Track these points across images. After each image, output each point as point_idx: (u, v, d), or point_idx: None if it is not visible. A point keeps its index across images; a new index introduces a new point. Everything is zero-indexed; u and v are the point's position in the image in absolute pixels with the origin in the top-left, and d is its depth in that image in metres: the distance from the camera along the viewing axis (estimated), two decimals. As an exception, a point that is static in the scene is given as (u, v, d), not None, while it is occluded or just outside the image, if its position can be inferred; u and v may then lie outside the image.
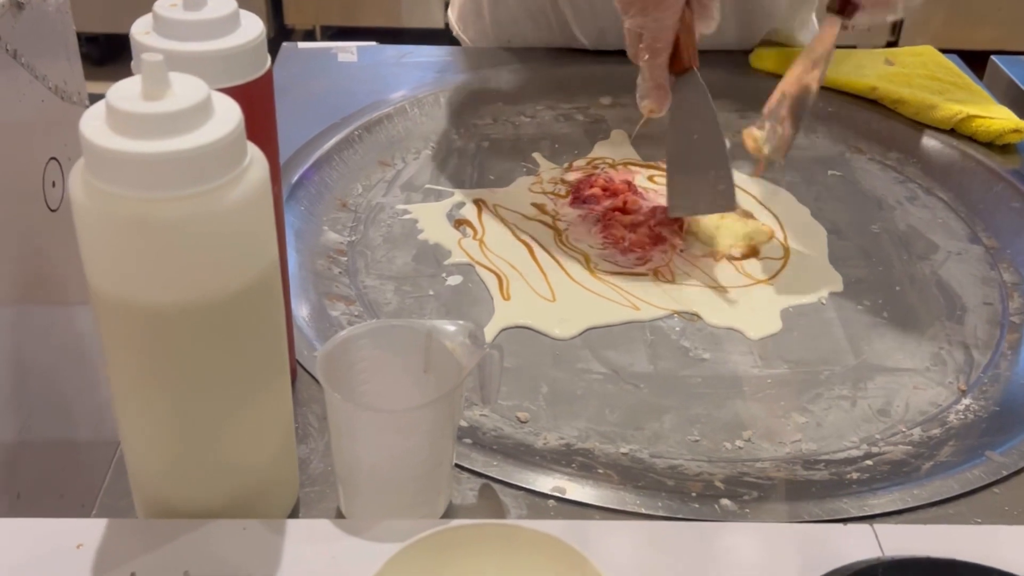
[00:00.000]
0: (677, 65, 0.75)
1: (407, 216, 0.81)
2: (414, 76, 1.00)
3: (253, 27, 0.49)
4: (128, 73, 0.43)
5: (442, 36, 1.15)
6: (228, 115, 0.42)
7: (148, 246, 0.41)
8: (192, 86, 0.41)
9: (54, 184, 0.83)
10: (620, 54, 0.99)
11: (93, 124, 0.40)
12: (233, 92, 0.44)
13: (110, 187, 0.40)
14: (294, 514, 0.52)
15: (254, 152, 0.43)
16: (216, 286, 0.42)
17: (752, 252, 0.77)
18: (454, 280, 0.74)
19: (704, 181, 0.76)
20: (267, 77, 0.51)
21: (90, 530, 0.47)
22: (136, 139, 0.39)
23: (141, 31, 0.48)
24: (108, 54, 2.78)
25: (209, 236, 0.41)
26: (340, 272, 0.74)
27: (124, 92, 0.41)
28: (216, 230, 0.41)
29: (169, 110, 0.40)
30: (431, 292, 0.73)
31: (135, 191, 0.40)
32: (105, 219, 0.41)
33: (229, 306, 0.43)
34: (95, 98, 0.82)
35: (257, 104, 0.49)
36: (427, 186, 0.85)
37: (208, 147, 0.40)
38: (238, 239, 0.42)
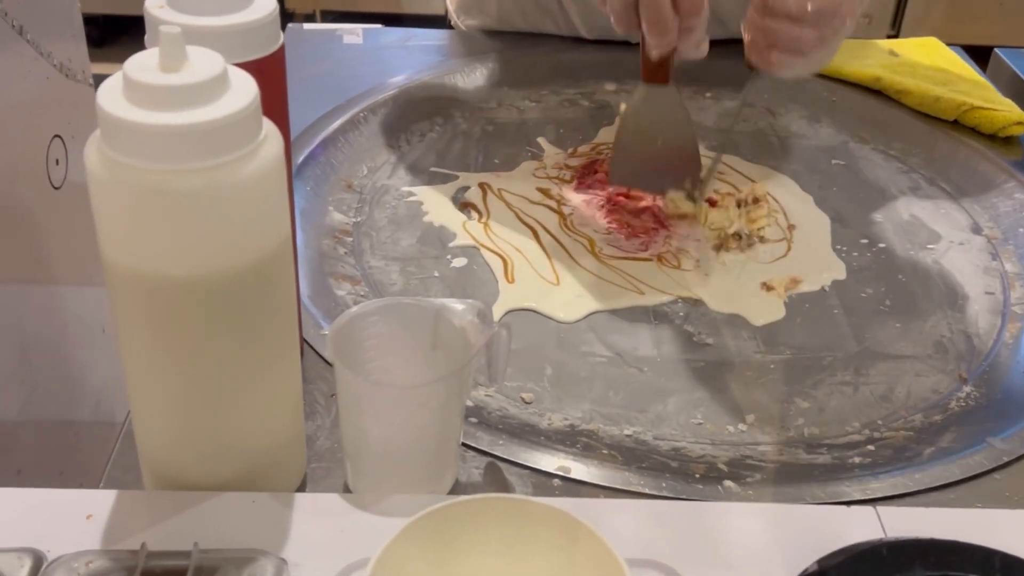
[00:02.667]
0: (652, 75, 0.74)
1: (412, 198, 0.81)
2: (419, 59, 1.00)
3: (266, 3, 0.49)
4: (126, 54, 0.43)
5: (442, 23, 1.15)
6: (244, 89, 0.42)
7: (163, 218, 0.41)
8: (209, 59, 0.41)
9: (57, 162, 0.83)
10: (624, 43, 1.00)
11: (110, 95, 0.41)
12: (246, 68, 0.44)
13: (126, 158, 0.40)
14: (301, 490, 0.53)
15: (269, 127, 0.44)
16: (230, 259, 0.43)
17: (751, 238, 0.77)
18: (459, 262, 0.74)
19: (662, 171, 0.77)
20: (279, 53, 0.51)
21: (100, 501, 0.48)
22: (153, 111, 0.40)
23: (155, 5, 0.48)
24: (107, 35, 2.76)
25: (224, 209, 0.41)
26: (345, 252, 0.74)
27: (141, 64, 0.41)
28: (231, 203, 0.41)
29: (186, 82, 0.40)
30: (436, 273, 0.73)
31: (151, 163, 0.40)
32: (120, 190, 0.41)
33: (242, 279, 0.43)
34: (97, 78, 0.83)
35: (270, 80, 0.49)
36: (432, 169, 0.85)
37: (225, 120, 0.40)
38: (252, 213, 0.43)
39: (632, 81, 0.86)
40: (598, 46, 1.03)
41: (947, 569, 0.44)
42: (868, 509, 0.50)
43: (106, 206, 0.42)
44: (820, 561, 0.45)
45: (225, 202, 0.41)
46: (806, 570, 0.45)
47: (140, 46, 0.44)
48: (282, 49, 0.51)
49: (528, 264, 0.74)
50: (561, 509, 0.42)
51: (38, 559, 0.44)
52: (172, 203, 0.40)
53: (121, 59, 0.42)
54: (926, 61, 0.99)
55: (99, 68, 0.83)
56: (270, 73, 0.50)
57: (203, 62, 0.41)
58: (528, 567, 0.43)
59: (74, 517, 0.47)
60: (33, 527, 0.46)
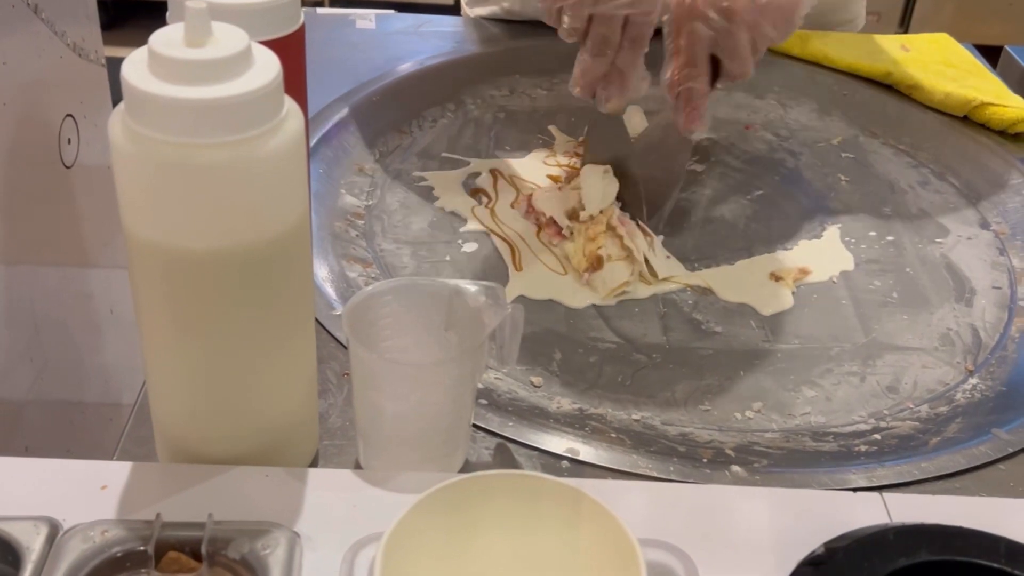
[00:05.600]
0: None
1: (423, 183, 0.82)
2: (431, 45, 1.00)
3: (288, -18, 0.50)
4: (134, 37, 0.43)
5: (451, 12, 1.15)
6: (268, 65, 0.42)
7: (185, 191, 0.41)
8: (233, 35, 0.42)
9: (69, 141, 0.83)
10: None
11: (135, 68, 0.41)
12: (267, 46, 0.45)
13: (150, 131, 0.40)
14: (313, 467, 0.53)
15: (291, 104, 0.44)
16: (250, 234, 0.43)
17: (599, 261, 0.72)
18: (470, 247, 0.75)
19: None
20: (300, 33, 0.51)
21: (115, 472, 0.48)
22: (178, 84, 0.40)
23: (178, -18, 0.49)
24: (116, 18, 2.77)
25: (246, 184, 0.42)
26: (357, 235, 0.75)
27: (166, 38, 0.41)
28: (253, 178, 0.42)
29: (212, 57, 0.40)
30: (447, 258, 0.73)
31: (175, 136, 0.40)
32: (143, 163, 0.41)
33: (261, 254, 0.44)
34: (107, 61, 0.83)
35: (289, 59, 0.50)
36: (443, 154, 0.86)
37: (249, 95, 0.40)
38: (274, 188, 0.43)
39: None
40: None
41: (952, 554, 0.45)
42: (874, 496, 0.50)
43: (129, 179, 0.42)
44: (827, 544, 0.46)
45: (247, 177, 0.42)
46: (813, 553, 0.45)
47: (148, 30, 0.44)
48: (302, 28, 0.51)
49: (531, 252, 0.74)
50: (574, 486, 0.43)
51: (54, 527, 0.45)
52: (195, 176, 0.41)
53: (129, 42, 0.42)
54: (937, 57, 0.99)
55: (108, 52, 0.84)
56: (290, 52, 0.50)
57: (228, 38, 0.42)
58: (540, 543, 0.44)
59: (89, 487, 0.48)
60: (49, 496, 0.47)
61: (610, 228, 0.72)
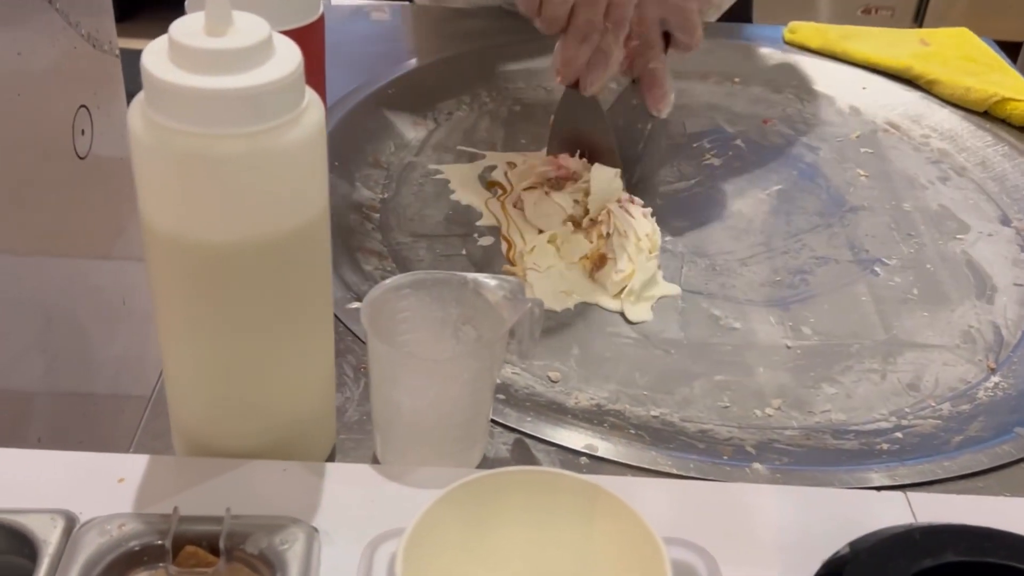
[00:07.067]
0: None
1: (439, 176, 0.81)
2: (445, 37, 0.99)
3: (308, -29, 0.49)
4: (145, 30, 0.43)
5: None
6: (289, 55, 0.42)
7: (205, 182, 0.41)
8: (254, 24, 0.41)
9: (83, 132, 0.83)
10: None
11: (155, 58, 0.40)
12: (288, 35, 0.44)
13: (170, 122, 0.40)
14: (330, 461, 0.53)
15: (311, 95, 0.43)
16: (270, 226, 0.43)
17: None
18: (485, 241, 0.74)
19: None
20: (320, 22, 0.51)
21: (132, 465, 0.48)
22: (199, 74, 0.39)
23: (198, -29, 0.48)
24: (129, 10, 2.76)
25: (266, 175, 0.41)
26: (372, 228, 0.74)
27: (187, 27, 0.41)
28: (273, 169, 0.41)
29: (232, 46, 0.40)
30: (463, 251, 0.73)
31: (195, 126, 0.40)
32: (163, 154, 0.41)
33: (281, 247, 0.43)
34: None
35: (310, 48, 0.49)
36: (459, 147, 0.85)
37: (270, 85, 0.40)
38: (294, 180, 0.43)
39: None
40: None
41: (980, 556, 0.44)
42: (898, 495, 0.50)
43: (148, 170, 0.42)
44: (852, 544, 0.45)
45: (268, 168, 0.41)
46: (837, 552, 0.45)
47: (161, 22, 0.43)
48: (322, 18, 0.51)
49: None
50: (597, 483, 0.42)
51: (70, 520, 0.45)
52: (215, 168, 0.40)
53: (142, 34, 0.42)
54: (957, 52, 0.98)
55: (120, 43, 0.83)
56: (310, 42, 0.50)
57: (249, 27, 0.41)
58: (559, 539, 0.43)
59: (106, 481, 0.47)
60: (65, 489, 0.47)
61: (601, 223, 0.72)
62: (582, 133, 0.77)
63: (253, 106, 0.40)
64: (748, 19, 1.13)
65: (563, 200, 0.74)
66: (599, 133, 0.77)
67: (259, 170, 0.41)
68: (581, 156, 0.78)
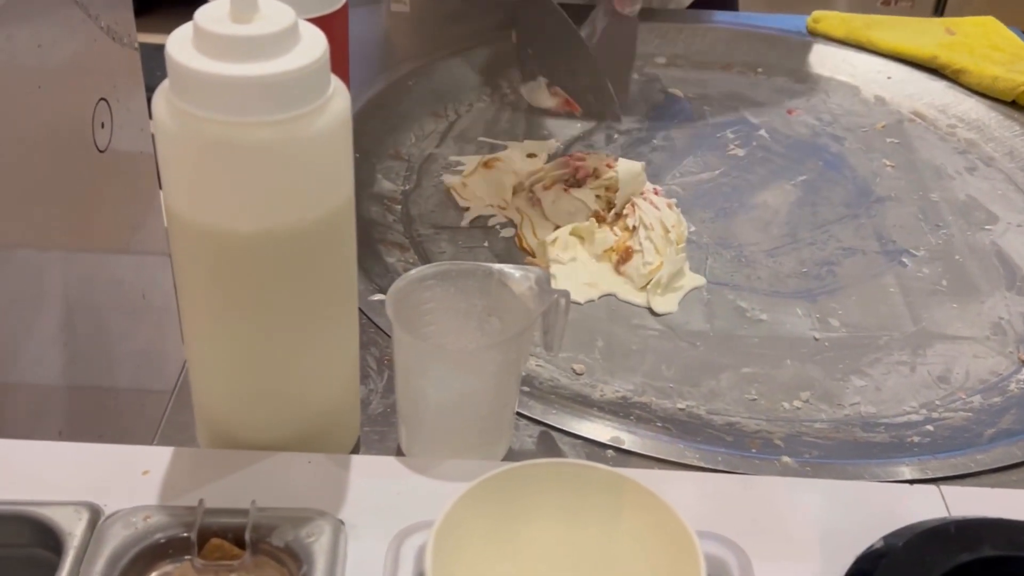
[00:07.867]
0: None
1: (460, 168, 0.80)
2: (464, 29, 0.98)
3: (332, -41, 0.49)
4: (161, 24, 0.42)
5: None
6: (314, 42, 0.41)
7: (231, 171, 0.40)
8: (280, 11, 0.41)
9: (103, 125, 0.82)
10: (673, 18, 0.98)
11: (180, 45, 0.40)
12: (312, 23, 0.44)
13: (195, 109, 0.39)
14: (354, 453, 0.52)
15: (337, 83, 0.43)
16: (295, 215, 0.42)
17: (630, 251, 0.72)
18: (507, 232, 0.74)
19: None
20: (344, 11, 0.50)
21: (157, 457, 0.47)
22: (224, 61, 0.39)
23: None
24: (145, 5, 2.77)
25: (292, 163, 0.41)
26: (394, 220, 0.74)
27: (212, 14, 0.40)
28: (299, 158, 0.41)
29: (258, 33, 0.39)
30: (485, 243, 0.72)
31: (221, 114, 0.39)
32: (189, 142, 0.40)
33: (306, 236, 0.43)
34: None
35: (334, 37, 0.49)
36: (480, 138, 0.84)
37: (296, 72, 0.39)
38: (320, 169, 0.42)
39: (683, 60, 0.88)
40: (647, 17, 1.01)
41: (1015, 550, 0.43)
42: (932, 488, 0.49)
43: (174, 158, 0.41)
44: (886, 538, 0.44)
45: (294, 157, 0.41)
46: (871, 547, 0.44)
47: (178, 17, 0.43)
48: (346, 7, 0.50)
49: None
50: (627, 476, 0.42)
51: (95, 513, 0.44)
52: (241, 156, 0.40)
53: (156, 30, 0.41)
54: (984, 40, 0.97)
55: (139, 37, 0.83)
56: (334, 30, 0.49)
57: (274, 14, 0.40)
58: (590, 533, 0.43)
59: (131, 473, 0.47)
60: (89, 482, 0.46)
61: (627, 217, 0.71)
62: (553, 49, 0.77)
63: (279, 94, 0.39)
64: (734, 7, 1.11)
65: (585, 196, 0.73)
66: (573, 47, 0.76)
67: (285, 158, 0.41)
68: (558, 85, 0.78)
